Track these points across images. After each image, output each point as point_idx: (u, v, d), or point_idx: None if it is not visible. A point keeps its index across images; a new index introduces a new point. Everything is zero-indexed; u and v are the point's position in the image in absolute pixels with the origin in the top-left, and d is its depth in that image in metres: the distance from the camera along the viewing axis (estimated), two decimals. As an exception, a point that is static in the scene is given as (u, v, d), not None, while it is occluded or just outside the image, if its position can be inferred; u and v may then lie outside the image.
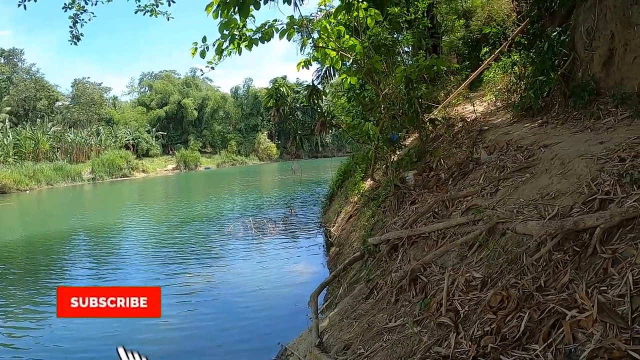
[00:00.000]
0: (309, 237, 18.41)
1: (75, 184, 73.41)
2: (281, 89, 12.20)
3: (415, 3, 14.00)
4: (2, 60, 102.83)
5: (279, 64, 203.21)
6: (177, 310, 10.90)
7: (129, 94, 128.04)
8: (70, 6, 9.17)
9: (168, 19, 11.19)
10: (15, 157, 76.05)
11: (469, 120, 12.33)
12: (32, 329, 10.66)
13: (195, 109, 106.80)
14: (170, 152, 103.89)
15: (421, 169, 10.57)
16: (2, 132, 79.26)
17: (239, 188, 49.06)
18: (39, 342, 9.84)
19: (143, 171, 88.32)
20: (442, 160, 10.11)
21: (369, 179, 15.02)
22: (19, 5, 8.63)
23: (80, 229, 26.17)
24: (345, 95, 14.73)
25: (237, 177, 67.79)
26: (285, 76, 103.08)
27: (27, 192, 65.08)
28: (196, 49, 8.84)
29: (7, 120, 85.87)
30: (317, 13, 17.79)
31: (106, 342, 9.15)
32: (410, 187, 9.76)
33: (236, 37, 9.18)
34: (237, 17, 8.22)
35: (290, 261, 15.07)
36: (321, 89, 12.60)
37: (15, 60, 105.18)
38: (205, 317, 10.54)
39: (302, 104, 13.64)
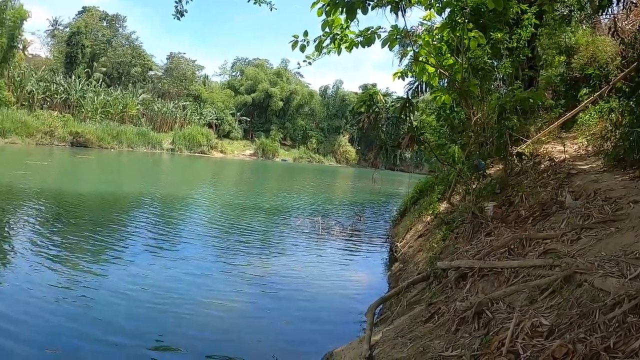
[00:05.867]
0: (374, 248, 18.25)
1: (154, 152, 76.30)
2: (375, 96, 12.18)
3: (519, 31, 13.72)
4: (105, 24, 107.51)
5: (370, 71, 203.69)
6: (225, 297, 10.97)
7: (220, 75, 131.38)
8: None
9: (271, 9, 11.33)
10: (102, 115, 79.41)
11: (557, 160, 12.04)
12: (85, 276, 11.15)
13: (281, 100, 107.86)
14: (251, 138, 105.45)
15: (501, 202, 10.38)
16: (94, 91, 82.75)
17: (312, 186, 49.39)
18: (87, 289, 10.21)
19: (221, 151, 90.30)
20: (524, 197, 9.89)
21: (446, 202, 14.82)
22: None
23: (150, 195, 27.01)
24: (435, 113, 14.59)
25: (312, 174, 68.19)
26: (376, 84, 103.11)
27: (112, 150, 67.85)
28: (297, 42, 8.96)
29: (101, 80, 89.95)
30: (418, 26, 17.76)
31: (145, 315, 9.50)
32: (488, 218, 9.60)
33: (337, 37, 9.27)
34: (341, 17, 8.32)
35: (350, 268, 14.98)
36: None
37: (117, 25, 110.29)
38: (252, 309, 10.49)
39: (392, 115, 13.59)
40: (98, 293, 10.17)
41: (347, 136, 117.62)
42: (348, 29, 9.26)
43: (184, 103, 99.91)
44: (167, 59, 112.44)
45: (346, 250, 17.41)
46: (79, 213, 19.75)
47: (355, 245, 18.44)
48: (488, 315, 5.55)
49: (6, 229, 15.48)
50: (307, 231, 20.17)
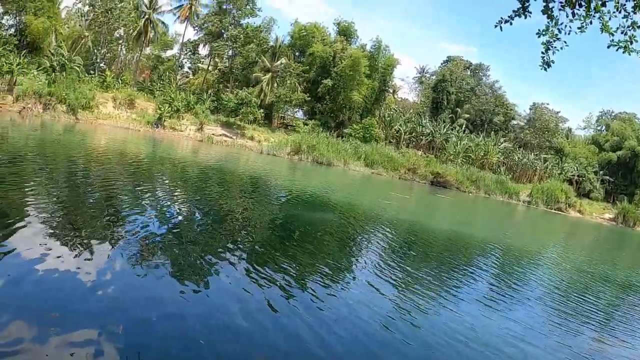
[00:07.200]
0: None
1: (510, 201, 76.11)
2: None
3: None
4: (469, 73, 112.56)
5: None
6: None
7: (584, 128, 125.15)
8: (543, 33, 9.12)
9: (646, 59, 10.17)
10: (463, 159, 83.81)
11: None
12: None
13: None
14: (612, 200, 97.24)
15: None
16: (457, 136, 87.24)
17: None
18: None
19: (579, 211, 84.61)
20: None
21: None
22: (496, 27, 8.88)
23: (497, 244, 26.78)
24: None
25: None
26: None
27: (469, 194, 70.33)
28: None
29: (464, 126, 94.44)
30: None
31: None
32: None
33: None
34: None
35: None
36: None
37: (480, 74, 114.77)
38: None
39: None
40: (418, 332, 10.29)
41: None
42: None
43: (545, 155, 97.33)
44: (529, 109, 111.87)
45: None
46: (425, 247, 20.67)
47: None
48: None
49: (358, 248, 17.53)
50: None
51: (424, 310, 11.64)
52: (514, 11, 8.50)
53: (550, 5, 8.27)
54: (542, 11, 8.25)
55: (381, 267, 14.68)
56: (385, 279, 13.47)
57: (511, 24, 8.74)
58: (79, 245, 10.73)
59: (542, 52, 9.60)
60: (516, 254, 25.19)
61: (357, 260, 15.58)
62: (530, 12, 8.41)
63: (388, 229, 22.38)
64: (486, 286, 16.02)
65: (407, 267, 15.76)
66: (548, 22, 8.62)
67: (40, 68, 56.61)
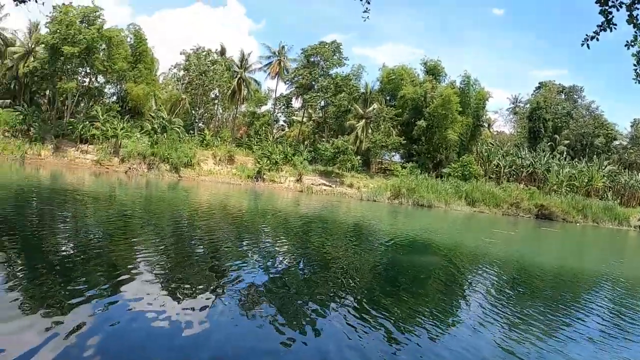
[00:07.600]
0: None
1: (620, 228, 71.51)
2: None
3: None
4: (563, 97, 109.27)
5: None
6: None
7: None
8: (632, 43, 8.73)
9: None
10: (567, 188, 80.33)
11: None
12: None
13: None
14: None
15: None
16: (558, 164, 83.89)
17: None
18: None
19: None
20: None
21: None
22: (582, 45, 8.59)
23: (611, 277, 24.82)
24: None
25: None
26: None
27: (577, 224, 67.76)
28: None
29: (565, 153, 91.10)
30: None
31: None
32: None
33: None
34: None
35: None
36: None
37: (575, 96, 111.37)
38: None
39: None
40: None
41: None
42: None
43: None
44: (630, 125, 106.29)
45: None
46: (530, 285, 19.70)
47: None
48: None
49: (461, 290, 17.02)
50: None
51: (529, 355, 10.94)
52: (598, 26, 8.25)
53: (635, 13, 7.97)
54: (627, 21, 7.97)
55: (484, 309, 13.90)
56: (489, 322, 12.74)
57: (597, 39, 8.48)
58: (181, 294, 11.12)
59: (634, 64, 9.19)
60: (628, 285, 23.41)
61: (459, 303, 15.00)
62: (615, 25, 8.12)
63: (492, 269, 21.71)
64: (597, 323, 14.50)
65: (511, 308, 14.82)
66: (636, 32, 8.31)
67: (142, 131, 61.09)
